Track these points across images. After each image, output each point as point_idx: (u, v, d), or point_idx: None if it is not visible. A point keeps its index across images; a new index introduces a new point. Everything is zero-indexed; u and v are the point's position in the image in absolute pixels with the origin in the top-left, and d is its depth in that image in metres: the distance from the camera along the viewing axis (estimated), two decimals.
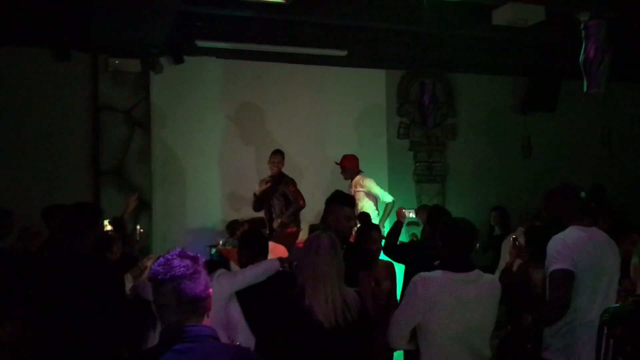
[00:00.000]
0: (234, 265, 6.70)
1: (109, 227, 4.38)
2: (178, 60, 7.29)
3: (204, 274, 1.96)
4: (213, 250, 7.00)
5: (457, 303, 2.75)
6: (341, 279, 2.75)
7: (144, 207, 7.13)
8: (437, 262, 2.96)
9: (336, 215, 3.74)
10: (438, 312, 2.74)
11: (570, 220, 3.14)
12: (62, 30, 6.46)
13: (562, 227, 3.13)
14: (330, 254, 2.74)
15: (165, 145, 7.44)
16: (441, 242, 2.95)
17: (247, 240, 4.13)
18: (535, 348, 3.28)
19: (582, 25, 3.02)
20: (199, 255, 1.99)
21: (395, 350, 3.98)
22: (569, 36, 6.04)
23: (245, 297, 3.66)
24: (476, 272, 2.86)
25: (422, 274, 2.85)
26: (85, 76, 7.08)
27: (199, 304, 1.92)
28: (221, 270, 3.73)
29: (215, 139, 7.69)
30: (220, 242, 7.10)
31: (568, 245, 3.02)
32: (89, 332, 3.16)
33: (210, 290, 1.98)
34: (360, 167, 7.14)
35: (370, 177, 7.34)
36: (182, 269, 1.90)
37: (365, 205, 6.93)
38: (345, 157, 7.14)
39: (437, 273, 2.84)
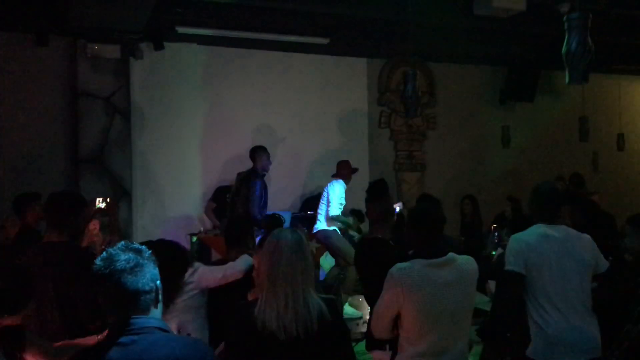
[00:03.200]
0: (215, 253, 6.71)
1: (101, 205, 4.28)
2: (158, 46, 7.20)
3: (149, 267, 1.90)
4: (194, 238, 6.98)
5: (436, 288, 2.76)
6: (307, 283, 2.39)
7: (124, 195, 7.09)
8: (410, 252, 2.97)
9: (387, 208, 3.72)
10: (417, 299, 2.75)
11: (537, 218, 3.24)
12: (40, 14, 6.34)
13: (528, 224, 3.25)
14: (293, 252, 2.39)
15: (145, 132, 7.38)
16: (411, 230, 2.95)
17: (231, 233, 3.89)
18: (514, 336, 3.35)
19: (565, 17, 3.07)
20: (143, 247, 1.93)
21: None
22: (549, 27, 6.10)
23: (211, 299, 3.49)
24: (450, 256, 2.87)
25: (398, 264, 2.86)
26: (64, 61, 6.98)
27: (141, 298, 1.86)
28: (198, 264, 3.49)
29: (195, 126, 7.65)
30: (201, 229, 7.10)
31: (521, 246, 3.15)
32: (72, 321, 3.13)
33: (158, 282, 1.91)
34: (340, 158, 7.05)
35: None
36: (122, 263, 1.85)
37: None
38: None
39: (412, 262, 2.85)
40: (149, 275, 1.89)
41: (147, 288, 1.87)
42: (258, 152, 6.60)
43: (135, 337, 1.82)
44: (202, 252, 6.88)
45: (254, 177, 6.50)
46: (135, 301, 1.85)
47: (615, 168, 9.64)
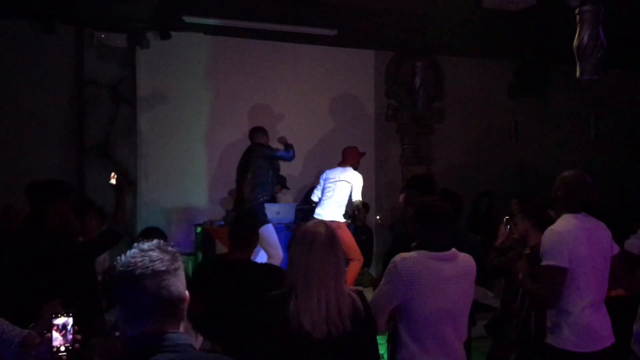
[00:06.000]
0: (219, 244, 6.70)
1: (113, 181, 4.23)
2: (165, 35, 7.18)
3: (182, 271, 1.69)
4: (198, 229, 6.97)
5: (438, 281, 2.75)
6: (339, 280, 2.39)
7: (129, 184, 7.07)
8: (414, 244, 2.94)
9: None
10: (419, 291, 2.73)
11: (567, 208, 3.21)
12: (47, 1, 6.32)
13: (559, 212, 3.22)
14: (327, 249, 2.38)
15: (151, 121, 7.36)
16: (417, 223, 2.92)
17: (235, 228, 3.69)
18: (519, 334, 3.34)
19: (577, 10, 3.01)
20: (176, 249, 1.72)
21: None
22: (559, 21, 6.03)
23: (230, 295, 3.40)
24: (453, 251, 2.87)
25: (402, 254, 2.84)
26: (70, 50, 6.96)
27: (180, 306, 1.64)
28: None
29: (201, 116, 7.62)
30: (206, 219, 7.09)
31: (565, 239, 3.13)
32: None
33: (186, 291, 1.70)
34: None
35: None
36: (165, 263, 1.62)
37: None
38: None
39: (416, 253, 2.83)
40: (184, 281, 1.67)
41: (184, 296, 1.66)
42: (258, 132, 6.50)
43: (172, 356, 1.57)
44: (206, 243, 6.88)
45: (261, 149, 6.34)
46: (174, 309, 1.62)
47: (624, 164, 9.55)
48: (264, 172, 6.26)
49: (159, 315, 1.61)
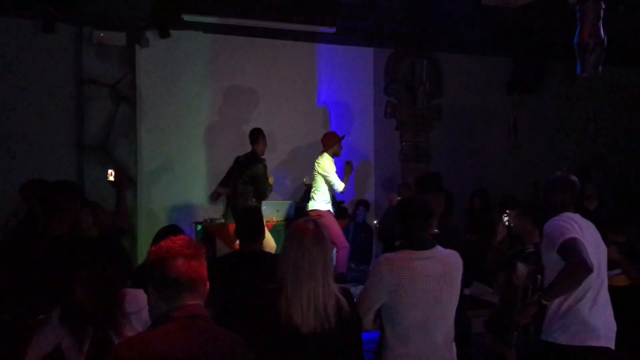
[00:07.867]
0: (219, 243, 6.70)
1: (111, 178, 4.20)
2: (164, 34, 7.17)
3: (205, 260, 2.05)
4: (199, 227, 6.98)
5: (423, 280, 2.74)
6: (327, 277, 2.44)
7: (129, 182, 7.07)
8: (397, 243, 2.94)
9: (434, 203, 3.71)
10: (404, 290, 2.72)
11: (565, 207, 3.23)
12: (46, 0, 6.32)
13: (556, 214, 3.23)
14: (315, 245, 2.42)
15: (151, 120, 7.36)
16: (399, 222, 2.93)
17: (244, 221, 3.70)
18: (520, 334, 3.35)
19: (577, 7, 3.02)
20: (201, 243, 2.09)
21: None
22: (557, 18, 6.05)
23: (224, 285, 3.38)
24: (437, 249, 2.86)
25: (386, 254, 2.85)
26: (70, 48, 6.95)
27: (203, 286, 2.00)
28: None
29: (201, 114, 7.62)
30: (207, 218, 7.09)
31: (570, 224, 3.15)
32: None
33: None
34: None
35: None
36: (192, 249, 1.98)
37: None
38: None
39: (400, 252, 2.83)
40: (205, 267, 2.06)
41: (206, 277, 2.04)
42: (260, 135, 6.56)
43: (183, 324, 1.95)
44: (206, 242, 6.88)
45: (257, 161, 6.44)
46: (197, 288, 2.00)
47: (622, 160, 9.58)
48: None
49: (188, 292, 1.94)
